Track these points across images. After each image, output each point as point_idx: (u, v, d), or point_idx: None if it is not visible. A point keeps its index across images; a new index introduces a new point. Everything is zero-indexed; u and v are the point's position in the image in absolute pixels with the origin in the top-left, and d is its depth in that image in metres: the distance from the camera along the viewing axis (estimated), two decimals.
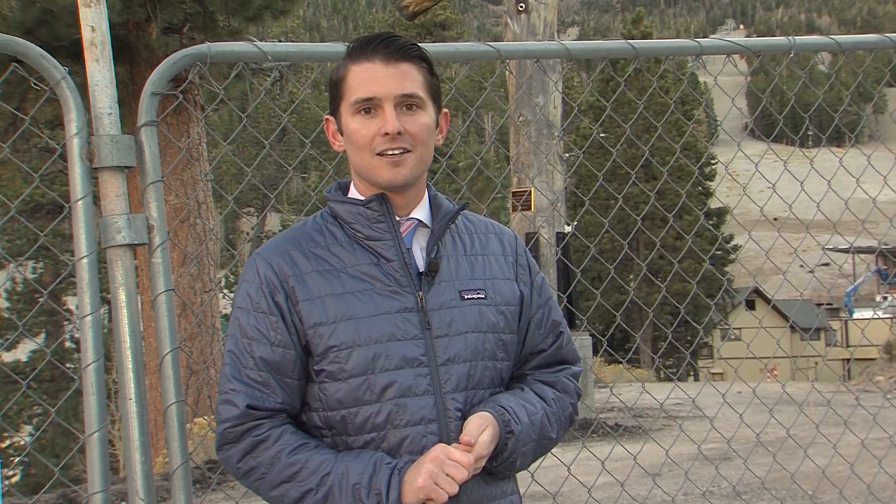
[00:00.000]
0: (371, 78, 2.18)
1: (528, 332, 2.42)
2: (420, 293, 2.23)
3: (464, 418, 2.21)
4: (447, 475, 2.05)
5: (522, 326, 2.40)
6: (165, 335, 2.67)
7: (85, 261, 2.61)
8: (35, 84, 2.68)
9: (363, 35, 2.25)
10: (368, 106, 2.19)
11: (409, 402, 2.17)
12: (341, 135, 2.28)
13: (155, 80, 2.72)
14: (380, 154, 2.20)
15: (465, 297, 2.28)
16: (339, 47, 3.07)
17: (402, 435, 2.17)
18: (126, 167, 2.65)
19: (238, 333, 2.20)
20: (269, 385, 2.16)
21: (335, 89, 2.26)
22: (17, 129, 13.85)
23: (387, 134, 2.17)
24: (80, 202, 2.61)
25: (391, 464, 2.10)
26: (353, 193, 2.32)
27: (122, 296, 2.64)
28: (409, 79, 2.20)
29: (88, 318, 2.62)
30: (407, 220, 2.29)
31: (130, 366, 2.63)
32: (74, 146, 2.61)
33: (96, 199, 2.68)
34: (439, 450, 2.09)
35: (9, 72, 3.02)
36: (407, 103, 2.20)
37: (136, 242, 2.64)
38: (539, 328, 2.44)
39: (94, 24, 2.66)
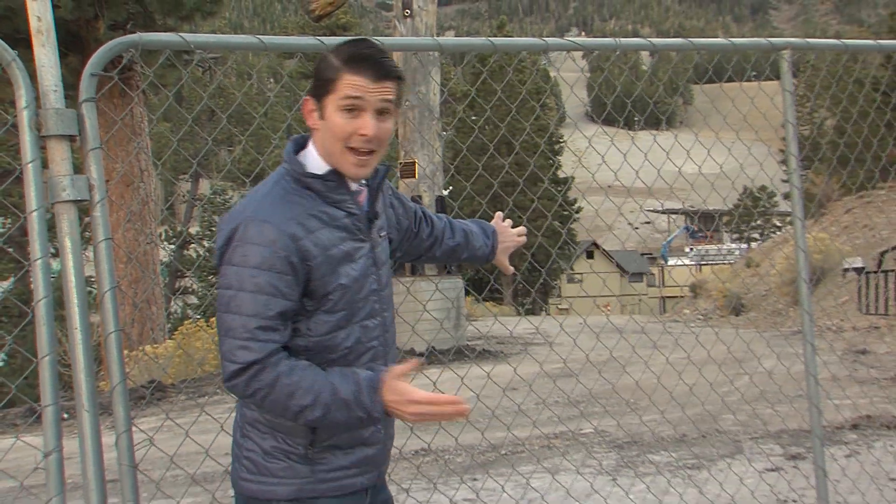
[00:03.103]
0: (361, 87, 2.14)
1: (405, 214, 2.62)
2: (371, 236, 2.29)
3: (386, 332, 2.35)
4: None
5: (402, 220, 2.61)
6: (105, 276, 2.60)
7: (35, 214, 2.52)
8: None
9: (354, 43, 2.19)
10: (353, 107, 2.15)
11: (369, 323, 2.26)
12: (319, 117, 2.21)
13: (94, 62, 2.62)
14: (350, 148, 2.18)
15: (380, 234, 2.36)
16: (252, 39, 3.00)
17: (366, 348, 2.25)
18: (70, 136, 2.55)
19: (255, 289, 2.10)
20: (280, 331, 2.12)
21: (325, 83, 2.18)
22: None
23: (363, 135, 2.16)
24: (30, 165, 2.52)
25: (372, 385, 2.11)
26: (314, 158, 2.25)
27: (67, 243, 2.57)
28: (388, 94, 2.18)
29: (39, 261, 2.54)
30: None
31: (76, 301, 2.56)
32: (24, 117, 2.51)
33: (46, 165, 2.58)
34: (423, 399, 2.10)
35: None
36: (381, 110, 2.18)
37: (78, 199, 2.55)
38: (408, 208, 2.65)
39: (39, 15, 2.57)
